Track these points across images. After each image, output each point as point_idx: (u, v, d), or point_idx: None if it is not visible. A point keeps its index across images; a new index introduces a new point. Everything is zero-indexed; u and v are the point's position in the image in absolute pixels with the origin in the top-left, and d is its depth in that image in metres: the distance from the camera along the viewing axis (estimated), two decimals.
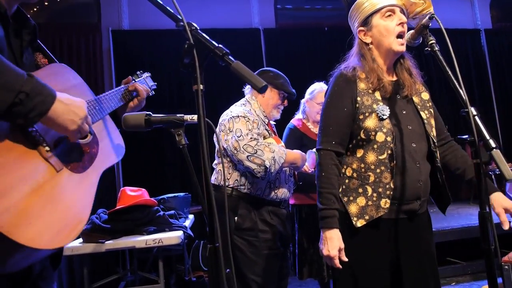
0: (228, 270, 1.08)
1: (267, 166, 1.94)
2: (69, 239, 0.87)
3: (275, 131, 2.35)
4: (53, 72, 1.06)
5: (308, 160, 2.26)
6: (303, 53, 5.27)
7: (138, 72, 1.55)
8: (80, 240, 2.43)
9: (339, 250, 1.43)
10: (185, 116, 1.13)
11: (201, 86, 0.93)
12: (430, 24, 1.33)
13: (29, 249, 0.77)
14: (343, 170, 1.56)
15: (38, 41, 1.13)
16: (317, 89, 2.76)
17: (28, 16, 1.08)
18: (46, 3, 5.06)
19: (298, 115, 2.87)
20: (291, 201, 2.79)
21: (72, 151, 1.02)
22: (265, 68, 2.37)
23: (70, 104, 0.92)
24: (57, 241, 0.83)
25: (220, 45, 0.94)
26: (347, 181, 1.54)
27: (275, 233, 2.13)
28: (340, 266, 1.43)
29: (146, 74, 1.58)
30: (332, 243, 1.43)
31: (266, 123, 2.23)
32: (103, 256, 2.82)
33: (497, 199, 1.47)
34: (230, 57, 0.91)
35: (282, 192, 2.17)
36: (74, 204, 0.93)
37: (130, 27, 4.87)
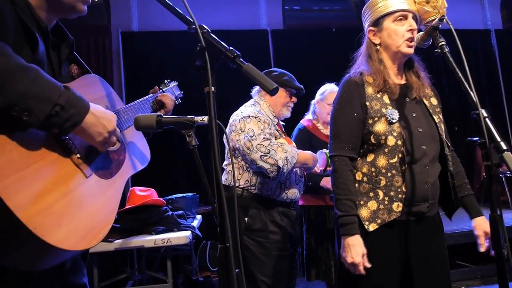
0: (237, 270, 1.09)
1: (280, 166, 1.95)
2: (95, 241, 0.91)
3: (285, 132, 2.35)
4: (85, 83, 1.12)
5: (319, 161, 2.27)
6: (311, 54, 5.26)
7: (166, 81, 1.59)
8: None
9: (363, 256, 1.43)
10: (195, 117, 1.14)
11: (213, 88, 0.95)
12: (440, 26, 1.32)
13: (58, 250, 0.80)
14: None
15: (75, 53, 1.19)
16: (328, 90, 2.76)
17: (66, 30, 1.14)
18: None
19: (308, 116, 2.88)
20: (300, 202, 2.79)
21: (101, 158, 1.07)
22: (270, 69, 2.37)
23: (101, 117, 0.97)
24: (83, 243, 0.87)
25: (231, 48, 0.95)
26: (357, 185, 1.54)
27: (285, 234, 2.13)
28: (364, 273, 1.43)
29: (174, 84, 1.62)
30: (355, 249, 1.43)
31: (276, 123, 2.24)
32: (112, 255, 2.85)
33: (480, 223, 1.56)
34: (241, 59, 0.92)
35: (293, 193, 2.17)
36: (100, 209, 0.98)
37: (139, 28, 4.90)
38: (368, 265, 1.44)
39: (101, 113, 0.98)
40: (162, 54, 4.80)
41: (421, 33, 1.45)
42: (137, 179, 4.54)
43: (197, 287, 3.19)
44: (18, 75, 0.79)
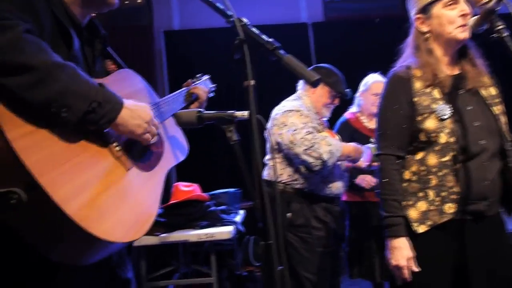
0: (281, 267, 1.07)
1: (325, 159, 1.91)
2: (140, 233, 0.92)
3: (327, 126, 2.30)
4: (120, 77, 1.13)
5: (364, 156, 2.20)
6: (353, 47, 5.10)
7: (198, 75, 1.60)
8: None
9: (408, 260, 1.36)
10: (236, 112, 1.13)
11: (252, 82, 0.93)
12: (498, 9, 1.22)
13: (104, 242, 0.81)
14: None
15: (109, 49, 1.21)
16: (371, 80, 2.66)
17: (99, 26, 1.15)
18: None
19: (352, 109, 2.78)
20: (343, 198, 2.73)
21: (140, 151, 1.08)
22: (318, 65, 2.32)
23: (136, 109, 0.98)
24: (129, 235, 0.88)
25: (271, 40, 0.92)
26: (405, 184, 1.46)
27: (328, 231, 2.10)
28: (409, 278, 1.36)
29: (206, 77, 1.63)
30: (401, 252, 1.36)
31: (318, 118, 2.20)
32: (159, 249, 2.93)
33: None
34: (281, 51, 0.90)
35: (336, 188, 2.13)
36: (143, 201, 0.99)
37: (181, 27, 4.98)
38: (416, 269, 1.36)
39: (135, 105, 0.98)
40: (204, 52, 4.84)
41: (475, 17, 1.35)
42: (181, 175, 4.64)
43: (241, 281, 3.21)
44: (57, 72, 0.80)
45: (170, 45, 4.90)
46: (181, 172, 4.73)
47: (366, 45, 5.11)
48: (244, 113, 1.04)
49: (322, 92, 2.20)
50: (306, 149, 1.92)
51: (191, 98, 1.43)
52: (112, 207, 0.87)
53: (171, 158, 1.20)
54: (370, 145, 2.24)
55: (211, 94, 1.60)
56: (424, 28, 1.47)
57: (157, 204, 1.03)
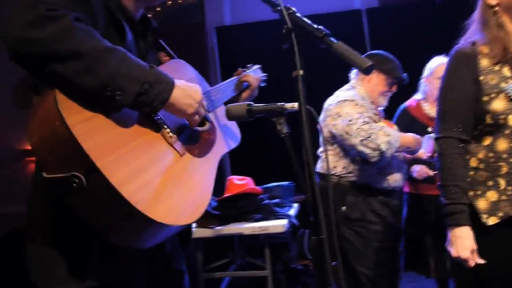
0: (335, 263, 1.03)
1: (383, 150, 1.83)
2: (194, 217, 0.93)
3: (384, 116, 2.20)
4: (172, 67, 1.16)
5: (425, 146, 2.08)
6: (411, 32, 4.82)
7: (248, 65, 1.60)
8: (194, 225, 2.61)
9: (472, 251, 1.26)
10: (285, 104, 1.11)
11: (301, 72, 0.90)
12: None
13: (158, 225, 0.82)
14: (467, 161, 1.37)
15: (160, 41, 1.24)
16: (436, 63, 2.48)
17: (151, 19, 1.19)
18: (158, 8, 5.53)
19: (416, 95, 2.63)
20: (405, 189, 2.61)
21: (193, 138, 1.10)
22: (373, 52, 2.23)
23: (187, 89, 0.98)
24: (183, 219, 0.89)
25: (320, 27, 0.88)
26: (472, 172, 1.35)
27: (385, 225, 2.01)
28: (473, 272, 1.27)
29: (256, 66, 1.63)
30: (463, 243, 1.27)
31: (373, 108, 2.11)
32: (216, 241, 3.00)
33: None
34: (331, 38, 0.86)
35: (394, 180, 2.03)
36: (197, 186, 1.00)
37: (232, 22, 5.02)
38: (481, 261, 1.26)
39: (186, 85, 0.99)
40: (255, 46, 4.84)
41: None
42: (235, 168, 4.72)
43: (295, 275, 3.20)
44: (107, 56, 0.82)
45: (221, 41, 4.96)
46: (235, 165, 4.80)
47: (425, 29, 4.81)
48: (294, 105, 1.02)
49: (377, 80, 2.11)
50: (362, 139, 1.85)
51: (242, 87, 1.43)
52: (166, 191, 0.88)
53: (223, 145, 1.21)
54: (432, 135, 2.10)
55: (262, 84, 1.59)
56: (493, 1, 1.34)
57: (210, 190, 1.04)
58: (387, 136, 1.85)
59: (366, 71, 0.82)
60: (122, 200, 0.76)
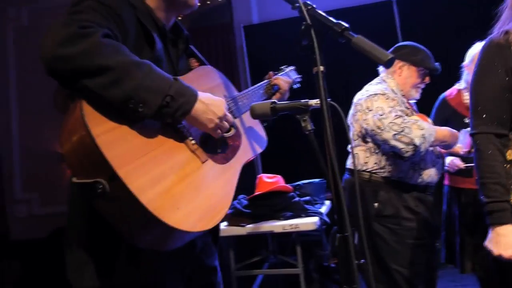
0: (363, 260, 1.02)
1: (417, 145, 1.77)
2: (211, 223, 0.94)
3: (416, 110, 2.13)
4: (200, 74, 1.19)
5: (462, 140, 1.99)
6: (445, 21, 4.63)
7: (283, 67, 1.60)
8: (225, 223, 2.65)
9: None
10: (309, 101, 1.10)
11: (322, 68, 0.89)
12: None
13: (176, 231, 0.85)
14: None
15: (191, 47, 1.28)
16: (477, 50, 2.38)
17: (182, 27, 1.23)
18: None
19: (458, 84, 2.51)
20: (446, 182, 2.51)
21: (216, 144, 1.11)
22: (401, 44, 2.16)
23: (210, 103, 1.00)
24: (200, 225, 0.91)
25: (339, 21, 0.87)
26: (508, 166, 1.29)
27: (420, 222, 1.94)
28: None
29: (290, 68, 1.62)
30: (506, 241, 1.21)
31: (405, 101, 2.04)
32: (248, 238, 3.03)
33: None
34: (350, 32, 0.84)
35: (429, 175, 1.96)
36: (216, 192, 1.01)
37: (259, 20, 5.02)
38: None
39: (210, 100, 1.01)
40: (284, 43, 4.81)
41: None
42: (266, 166, 4.73)
43: (328, 273, 3.17)
44: (132, 70, 0.86)
45: (250, 40, 4.97)
46: (265, 163, 4.81)
47: (461, 17, 4.61)
48: (318, 101, 1.01)
49: (409, 72, 2.04)
50: (395, 134, 1.79)
51: (272, 90, 1.43)
52: (185, 198, 0.91)
53: (248, 151, 1.22)
54: (468, 129, 2.02)
55: (297, 85, 1.58)
56: None
57: (230, 196, 1.05)
58: (421, 130, 1.79)
59: (387, 64, 0.80)
60: (141, 206, 0.80)
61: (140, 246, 0.90)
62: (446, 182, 2.56)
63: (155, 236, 0.88)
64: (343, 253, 0.83)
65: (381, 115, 1.84)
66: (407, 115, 1.93)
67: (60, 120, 0.90)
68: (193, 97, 0.96)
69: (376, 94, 1.92)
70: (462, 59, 2.49)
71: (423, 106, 2.68)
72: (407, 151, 1.78)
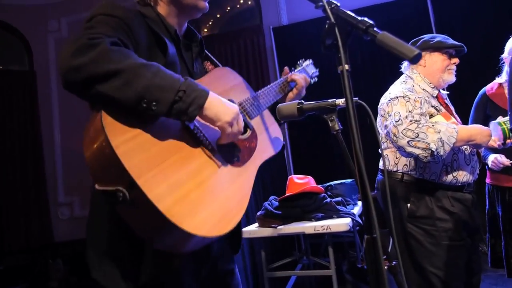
0: (395, 262, 0.98)
1: (433, 150, 1.70)
2: (228, 227, 0.94)
3: (448, 103, 2.04)
4: (217, 75, 1.19)
5: (494, 133, 1.87)
6: (484, 13, 4.44)
7: (300, 61, 1.57)
8: (256, 224, 2.65)
9: None
10: (337, 100, 1.08)
11: (347, 66, 0.87)
12: None
13: (194, 236, 0.86)
14: None
15: (206, 51, 1.28)
16: None
17: (195, 31, 1.25)
18: (218, 15, 5.69)
19: (499, 78, 2.40)
20: (488, 180, 2.40)
21: (232, 147, 1.10)
22: (415, 39, 2.09)
23: (222, 100, 1.00)
24: (217, 230, 0.91)
25: (363, 18, 0.85)
26: None
27: (457, 222, 1.86)
28: None
29: (307, 62, 1.59)
30: None
31: (436, 95, 1.96)
32: (280, 239, 3.02)
33: None
34: (375, 29, 0.82)
35: (464, 175, 1.87)
36: (233, 196, 1.01)
37: (289, 21, 5.02)
38: None
39: (222, 99, 1.00)
40: (313, 43, 4.79)
41: None
42: (297, 167, 4.70)
43: (362, 275, 3.10)
44: (141, 70, 0.88)
45: (279, 40, 4.98)
46: (297, 164, 4.78)
47: (502, 8, 4.39)
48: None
49: (432, 60, 1.98)
50: (409, 140, 1.73)
51: (289, 88, 1.41)
52: (202, 203, 0.92)
53: (264, 152, 1.21)
54: (498, 119, 1.89)
55: (314, 80, 1.55)
56: None
57: (247, 199, 1.05)
58: (438, 134, 1.71)
59: (414, 60, 0.77)
60: (159, 213, 0.82)
61: (160, 248, 0.92)
62: (488, 180, 2.44)
63: (173, 240, 0.89)
64: (371, 255, 0.81)
65: (397, 121, 1.79)
66: (431, 115, 1.86)
67: None
68: (205, 92, 0.95)
69: (396, 98, 1.87)
70: (501, 52, 2.38)
71: (463, 102, 2.59)
72: (425, 157, 1.72)
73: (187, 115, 0.92)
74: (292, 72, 1.47)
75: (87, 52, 0.85)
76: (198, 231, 0.86)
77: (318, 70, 1.61)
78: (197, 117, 0.96)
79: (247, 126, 1.19)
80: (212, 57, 1.29)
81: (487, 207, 2.45)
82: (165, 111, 0.89)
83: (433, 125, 1.74)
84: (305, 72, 1.52)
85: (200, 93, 0.94)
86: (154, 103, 0.87)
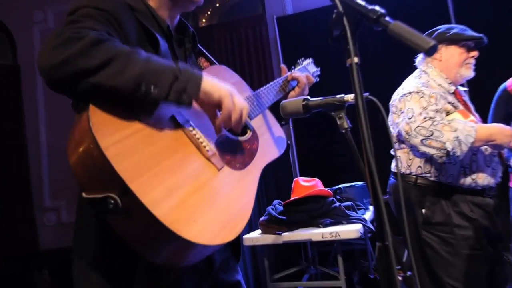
0: (409, 272, 0.98)
1: (449, 149, 1.69)
2: (232, 235, 0.93)
3: (467, 100, 2.03)
4: (213, 73, 1.18)
5: None
6: (502, 7, 4.41)
7: (299, 60, 1.59)
8: (259, 231, 2.65)
9: None
10: (345, 96, 1.08)
11: (356, 59, 0.87)
12: None
13: (194, 245, 0.84)
14: None
15: (199, 46, 1.29)
16: None
17: (187, 24, 1.25)
18: (217, 5, 5.70)
19: None
20: (510, 183, 2.39)
21: (232, 149, 1.10)
22: (430, 30, 2.08)
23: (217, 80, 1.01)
24: (219, 238, 0.90)
25: (374, 7, 0.85)
26: None
27: (478, 229, 1.85)
28: None
29: (308, 61, 1.60)
30: None
31: (453, 91, 1.96)
32: (285, 247, 3.00)
33: None
34: (386, 18, 0.82)
35: (484, 178, 1.86)
36: (235, 201, 1.00)
37: (293, 10, 5.02)
38: None
39: (213, 78, 1.01)
40: (317, 33, 4.79)
41: None
42: (302, 169, 4.69)
43: (374, 286, 3.09)
44: (133, 56, 0.89)
45: (283, 31, 4.98)
46: (303, 165, 4.77)
47: None
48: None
49: (449, 53, 1.97)
50: (423, 139, 1.73)
51: (289, 87, 1.41)
52: (202, 209, 0.90)
53: (266, 154, 1.20)
54: None
55: (316, 79, 1.55)
56: None
57: (251, 204, 1.04)
58: (454, 132, 1.70)
59: (429, 51, 0.76)
60: (156, 220, 0.80)
61: (156, 262, 0.89)
62: (511, 184, 2.43)
63: (172, 251, 0.87)
64: (384, 264, 0.81)
65: (410, 118, 1.79)
66: (448, 112, 1.85)
67: None
68: (199, 72, 0.97)
69: (410, 93, 1.86)
70: None
71: (482, 99, 2.57)
72: (440, 157, 1.71)
73: (186, 93, 0.92)
74: (292, 70, 1.48)
75: (72, 45, 0.84)
76: (199, 239, 0.83)
77: (319, 69, 1.62)
78: (194, 103, 0.96)
79: (247, 127, 1.19)
80: (206, 53, 1.29)
81: (511, 213, 2.44)
82: (164, 95, 0.89)
83: (449, 123, 1.74)
84: (306, 70, 1.53)
85: (194, 72, 0.95)
86: (152, 86, 0.87)
